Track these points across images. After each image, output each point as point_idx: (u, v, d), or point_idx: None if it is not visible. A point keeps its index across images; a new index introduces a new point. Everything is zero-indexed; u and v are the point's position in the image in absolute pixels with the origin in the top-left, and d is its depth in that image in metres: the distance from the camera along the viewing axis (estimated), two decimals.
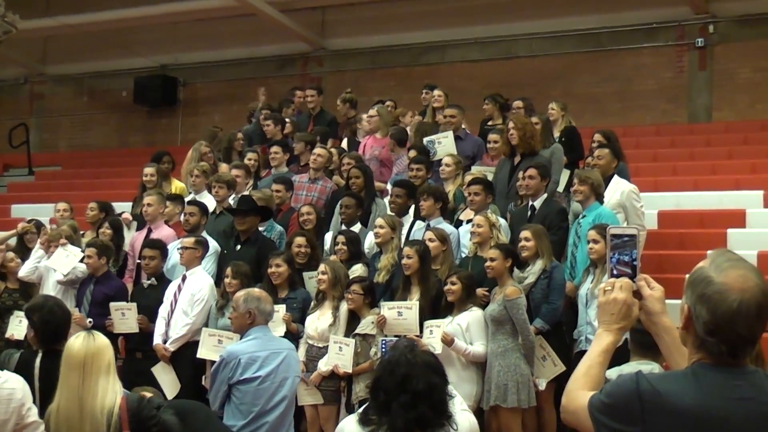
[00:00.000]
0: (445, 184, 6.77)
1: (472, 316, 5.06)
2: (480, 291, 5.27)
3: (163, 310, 5.89)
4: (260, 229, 6.42)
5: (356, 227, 6.35)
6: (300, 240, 5.98)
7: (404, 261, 5.31)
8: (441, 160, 6.88)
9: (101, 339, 3.01)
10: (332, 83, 12.09)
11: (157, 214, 6.74)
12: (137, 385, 3.62)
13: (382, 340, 4.98)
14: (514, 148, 6.59)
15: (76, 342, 2.99)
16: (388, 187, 7.00)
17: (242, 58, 13.41)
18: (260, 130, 8.78)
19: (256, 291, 4.18)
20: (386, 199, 6.75)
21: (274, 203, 6.74)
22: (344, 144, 8.40)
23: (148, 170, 7.68)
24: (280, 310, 5.31)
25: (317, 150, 7.44)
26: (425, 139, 7.39)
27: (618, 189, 6.10)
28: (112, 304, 5.90)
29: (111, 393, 2.92)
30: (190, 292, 5.86)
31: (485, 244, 5.49)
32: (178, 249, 6.08)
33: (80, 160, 13.56)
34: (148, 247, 6.10)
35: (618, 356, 2.10)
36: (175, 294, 5.91)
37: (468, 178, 6.39)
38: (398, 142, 7.70)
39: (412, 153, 7.17)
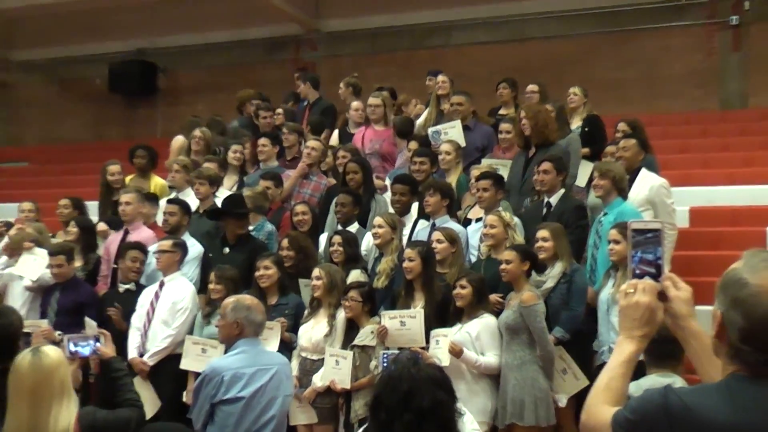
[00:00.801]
0: (447, 176, 6.79)
1: (484, 323, 5.06)
2: (493, 297, 5.28)
3: (137, 320, 5.91)
4: (249, 228, 6.43)
5: (354, 227, 6.35)
6: (284, 242, 6.01)
7: (405, 264, 5.32)
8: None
9: (50, 358, 2.88)
10: (327, 69, 12.08)
11: (135, 213, 6.73)
12: (114, 403, 3.60)
13: (383, 354, 4.97)
14: (528, 139, 6.59)
15: (23, 364, 2.89)
16: (387, 182, 7.04)
17: (228, 41, 13.43)
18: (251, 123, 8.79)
19: (247, 299, 4.15)
20: (387, 196, 6.77)
21: (267, 201, 6.76)
22: (334, 138, 8.42)
23: (113, 168, 7.71)
24: (274, 327, 5.28)
25: (311, 142, 7.43)
26: (430, 129, 7.41)
27: (646, 183, 6.10)
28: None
29: (65, 418, 2.87)
30: (171, 300, 5.89)
31: (499, 245, 5.49)
32: (154, 253, 6.11)
33: (50, 155, 13.57)
34: (133, 249, 6.15)
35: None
36: (152, 302, 5.92)
37: (475, 172, 6.41)
38: (401, 133, 7.71)
39: (414, 145, 7.20)
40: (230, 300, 4.14)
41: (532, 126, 6.51)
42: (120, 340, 5.73)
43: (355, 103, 8.23)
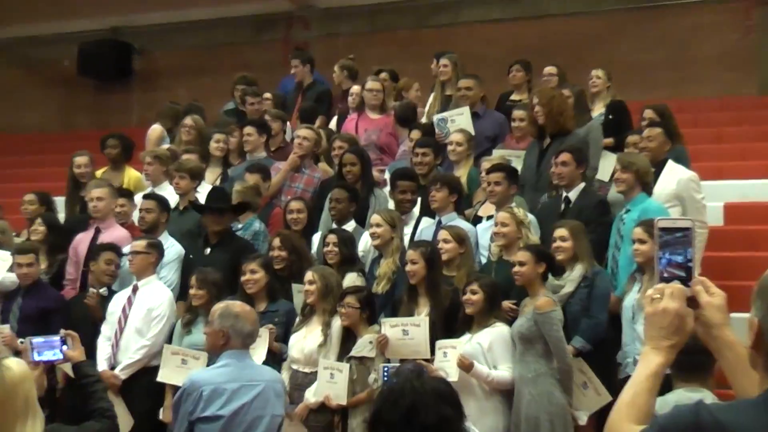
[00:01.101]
0: (455, 169, 6.80)
1: (496, 333, 5.07)
2: (506, 304, 5.28)
3: (107, 329, 5.92)
4: (239, 226, 6.47)
5: (350, 226, 6.37)
6: (275, 241, 6.01)
7: (408, 267, 5.33)
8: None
9: (12, 372, 2.77)
10: (321, 50, 12.03)
11: (108, 210, 6.75)
12: (83, 418, 3.59)
13: (384, 367, 4.98)
14: (542, 128, 6.60)
15: None
16: (386, 176, 7.07)
17: (211, 19, 13.40)
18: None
19: (236, 306, 4.16)
20: (386, 190, 6.77)
21: (259, 196, 6.78)
22: (333, 124, 8.40)
23: (80, 160, 7.71)
24: (262, 334, 5.29)
25: (302, 131, 7.42)
26: (435, 117, 7.40)
27: (673, 177, 6.11)
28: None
29: None
30: (146, 306, 5.91)
31: (512, 245, 5.49)
32: (127, 254, 6.12)
33: (13, 146, 13.53)
34: (106, 250, 6.16)
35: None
36: (124, 309, 5.93)
37: (486, 164, 6.40)
38: (402, 121, 7.69)
39: (416, 134, 7.20)
40: (219, 306, 4.16)
41: (546, 113, 6.52)
42: (90, 341, 5.76)
43: (357, 88, 8.22)
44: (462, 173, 6.70)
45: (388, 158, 7.64)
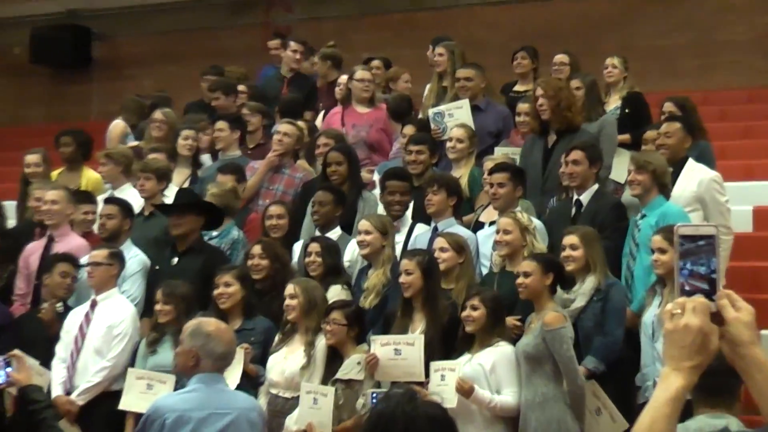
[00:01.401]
0: (454, 168, 6.82)
1: (500, 353, 5.07)
2: (511, 320, 5.29)
3: (62, 350, 5.90)
4: (213, 234, 6.50)
5: (335, 233, 6.37)
6: (256, 249, 6.01)
7: (402, 278, 5.32)
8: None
9: None
10: (305, 35, 11.96)
11: (64, 215, 6.74)
12: None
13: (372, 393, 4.99)
14: (546, 123, 6.61)
15: None
16: (375, 177, 7.08)
17: (181, 1, 13.43)
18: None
19: (210, 324, 4.15)
20: (376, 193, 6.79)
21: (237, 201, 6.81)
22: (319, 119, 8.42)
23: (31, 158, 7.72)
24: (238, 354, 5.27)
25: (282, 126, 7.40)
26: (431, 110, 7.40)
27: (694, 177, 6.14)
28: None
29: None
30: (106, 324, 5.89)
31: (516, 254, 5.50)
32: (85, 266, 6.12)
33: None
34: (62, 261, 6.15)
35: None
36: (81, 326, 5.92)
37: (489, 164, 6.39)
38: (395, 115, 7.68)
39: (409, 129, 7.21)
40: (192, 323, 4.15)
41: (553, 106, 6.52)
42: (45, 364, 5.81)
43: (345, 78, 8.23)
44: (462, 173, 6.71)
45: (378, 157, 7.65)
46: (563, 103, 6.55)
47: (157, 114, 8.16)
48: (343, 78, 8.27)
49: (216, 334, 4.03)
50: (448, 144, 6.86)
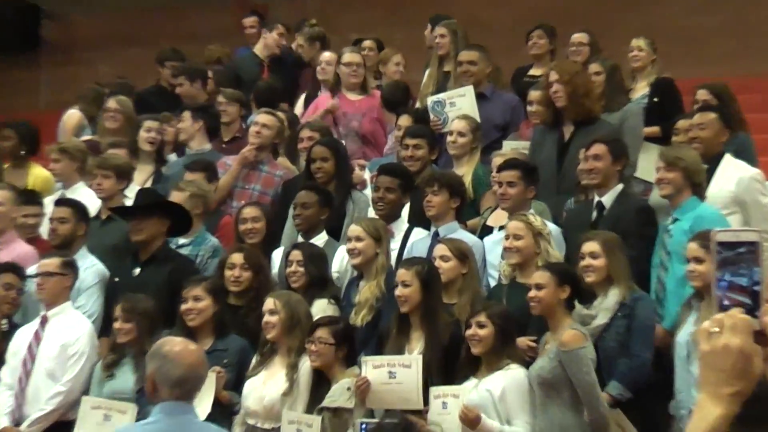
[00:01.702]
0: (456, 165, 6.86)
1: (510, 378, 5.06)
2: (522, 340, 5.28)
3: (9, 375, 5.89)
4: (182, 242, 6.53)
5: (320, 239, 6.39)
6: (236, 258, 6.00)
7: (399, 291, 5.29)
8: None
9: None
10: (285, 15, 12.03)
11: (9, 219, 6.75)
12: None
13: (362, 423, 4.98)
14: (560, 113, 6.62)
15: None
16: (367, 175, 7.13)
17: None
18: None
19: (172, 343, 4.07)
20: (368, 193, 6.79)
21: (211, 203, 6.85)
22: (299, 107, 8.46)
23: None
24: (208, 379, 5.24)
25: (260, 117, 7.40)
26: (430, 99, 7.43)
27: (732, 175, 6.15)
28: None
29: None
30: (59, 342, 5.86)
31: (528, 263, 5.49)
32: (34, 277, 6.09)
33: None
34: (5, 272, 6.16)
35: None
36: (30, 347, 5.89)
37: (498, 159, 6.40)
38: (390, 104, 7.71)
39: (405, 120, 7.23)
40: (157, 344, 4.08)
41: (568, 93, 6.53)
42: None
43: (328, 55, 8.26)
44: (465, 172, 6.73)
45: (372, 151, 7.71)
46: (580, 89, 6.59)
47: (111, 102, 8.19)
48: (326, 56, 8.27)
49: (173, 355, 3.94)
50: (449, 138, 6.91)
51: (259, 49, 9.54)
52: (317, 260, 5.93)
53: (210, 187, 6.95)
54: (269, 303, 5.48)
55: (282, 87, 8.69)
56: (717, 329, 1.84)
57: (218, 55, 9.69)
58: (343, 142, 7.50)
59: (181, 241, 6.52)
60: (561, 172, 6.54)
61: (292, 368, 5.38)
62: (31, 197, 7.14)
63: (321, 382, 5.34)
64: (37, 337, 5.89)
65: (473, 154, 6.86)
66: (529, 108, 7.19)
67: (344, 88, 7.95)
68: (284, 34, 9.45)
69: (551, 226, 5.79)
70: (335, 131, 7.68)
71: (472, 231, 6.26)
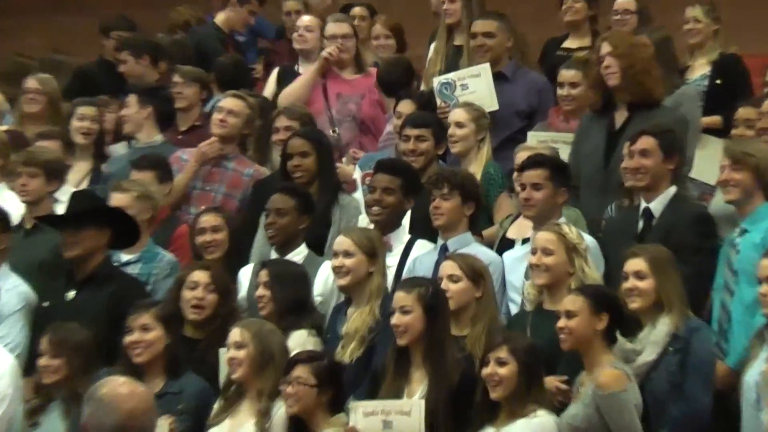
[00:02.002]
0: (461, 162, 6.90)
1: (537, 427, 5.04)
2: (552, 381, 5.27)
3: None
4: (128, 258, 6.53)
5: (299, 253, 6.39)
6: (200, 276, 6.00)
7: (396, 319, 5.28)
8: None
9: None
10: None
11: None
12: None
13: None
14: (610, 94, 6.63)
15: None
16: (357, 174, 7.17)
17: None
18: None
19: (112, 384, 4.04)
20: (359, 197, 6.81)
21: (156, 209, 6.81)
22: (270, 87, 8.44)
23: None
24: (159, 428, 5.21)
25: (226, 101, 7.46)
26: (437, 80, 7.44)
27: None
28: None
29: None
30: None
31: (558, 286, 5.49)
32: None
33: None
34: None
35: None
36: None
37: (522, 154, 6.40)
38: (388, 86, 7.75)
39: (406, 106, 7.27)
40: (95, 385, 4.06)
41: (624, 70, 6.53)
42: None
43: (306, 19, 8.33)
44: (474, 170, 6.76)
45: (371, 142, 7.80)
46: (639, 65, 6.58)
47: (30, 81, 8.21)
48: (305, 21, 8.32)
49: (109, 398, 3.90)
50: (449, 131, 6.97)
51: (221, 20, 9.52)
52: (294, 281, 5.91)
53: (162, 189, 6.97)
54: (235, 334, 5.47)
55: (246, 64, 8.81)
56: None
57: (186, 19, 9.67)
58: (337, 130, 7.56)
59: (127, 257, 6.55)
60: (608, 167, 6.53)
61: (264, 415, 5.36)
62: None
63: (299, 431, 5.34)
64: None
65: (480, 149, 6.89)
66: (560, 91, 7.21)
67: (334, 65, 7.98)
68: (256, 12, 9.43)
69: (588, 239, 5.78)
70: (327, 116, 7.74)
71: (489, 244, 6.28)
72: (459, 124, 6.87)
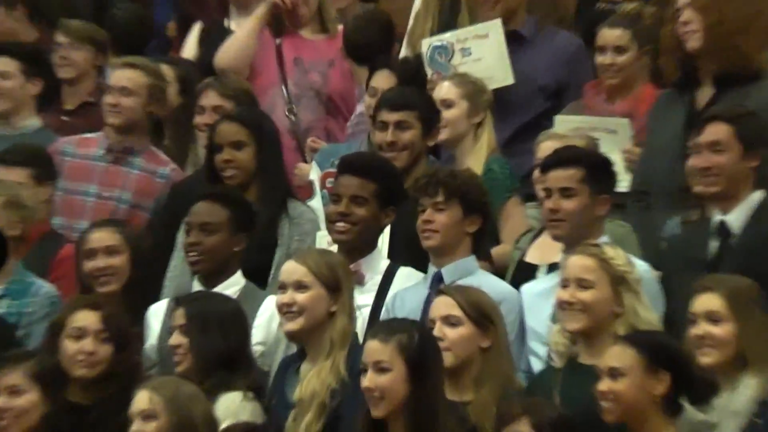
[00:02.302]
0: (456, 155, 7.06)
1: None
2: None
3: None
4: None
5: (230, 285, 6.47)
6: (87, 319, 6.03)
7: (368, 381, 5.21)
8: None
9: None
10: None
11: None
12: None
13: None
14: (692, 62, 6.73)
15: None
16: (314, 174, 7.32)
17: None
18: None
19: None
20: (316, 203, 6.82)
21: (29, 221, 7.00)
22: (189, 50, 8.58)
23: None
24: None
25: (120, 73, 7.56)
26: (426, 42, 7.59)
27: None
28: None
29: None
30: None
31: (599, 331, 5.54)
32: None
33: None
34: None
35: None
36: None
37: (547, 147, 6.54)
38: (357, 52, 7.87)
39: (383, 79, 7.50)
40: None
41: (709, 27, 6.54)
42: None
43: None
44: (472, 165, 6.99)
45: (341, 126, 7.98)
46: (729, 23, 6.61)
47: None
48: None
49: None
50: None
51: None
52: (223, 324, 5.92)
53: (39, 194, 6.99)
54: (142, 400, 5.47)
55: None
56: None
57: None
58: (294, 108, 7.70)
59: None
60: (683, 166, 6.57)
61: None
62: None
63: None
64: None
65: (478, 136, 6.97)
66: (600, 58, 7.22)
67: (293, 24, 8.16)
68: None
69: (641, 266, 5.81)
70: (281, 89, 7.85)
71: (500, 272, 6.23)
72: (446, 103, 7.05)
